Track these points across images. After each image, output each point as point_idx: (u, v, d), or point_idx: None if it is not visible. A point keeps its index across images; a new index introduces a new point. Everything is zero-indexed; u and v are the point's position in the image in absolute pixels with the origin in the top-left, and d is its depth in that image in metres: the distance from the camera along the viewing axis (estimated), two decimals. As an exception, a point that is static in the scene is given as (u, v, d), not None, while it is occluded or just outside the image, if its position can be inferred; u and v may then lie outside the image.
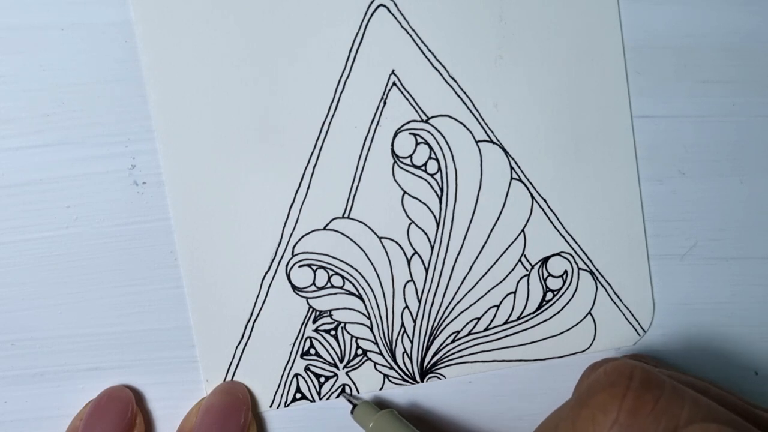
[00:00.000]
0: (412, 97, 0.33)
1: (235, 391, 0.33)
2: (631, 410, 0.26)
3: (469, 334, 0.35)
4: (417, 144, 0.33)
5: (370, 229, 0.34)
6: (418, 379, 0.35)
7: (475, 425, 0.35)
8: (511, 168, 0.34)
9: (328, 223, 0.33)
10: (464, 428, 0.34)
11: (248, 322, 0.34)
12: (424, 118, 0.33)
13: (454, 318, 0.35)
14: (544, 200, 0.34)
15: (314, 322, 0.34)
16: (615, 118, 0.34)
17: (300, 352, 0.34)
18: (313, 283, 0.34)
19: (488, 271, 0.34)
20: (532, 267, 0.34)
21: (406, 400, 0.35)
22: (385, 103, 0.33)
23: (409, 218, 0.34)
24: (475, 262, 0.34)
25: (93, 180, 0.32)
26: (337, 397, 0.34)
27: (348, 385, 0.35)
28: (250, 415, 0.33)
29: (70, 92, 0.32)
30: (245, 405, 0.33)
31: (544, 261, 0.34)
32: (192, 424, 0.32)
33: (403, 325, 0.34)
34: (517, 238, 0.34)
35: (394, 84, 0.33)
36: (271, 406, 0.34)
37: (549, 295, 0.35)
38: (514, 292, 0.35)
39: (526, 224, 0.34)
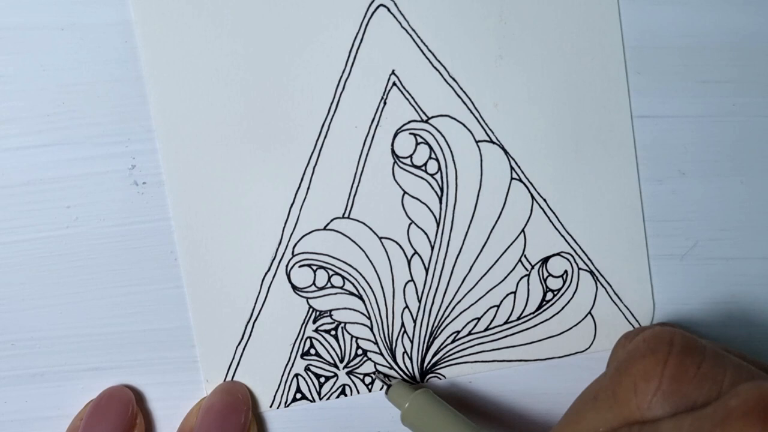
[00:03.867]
0: (412, 97, 0.33)
1: (235, 391, 0.33)
2: (673, 376, 0.26)
3: (470, 334, 0.35)
4: (417, 144, 0.33)
5: (370, 229, 0.34)
6: (418, 379, 0.35)
7: (475, 425, 0.35)
8: (511, 168, 0.34)
9: (328, 223, 0.33)
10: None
11: (248, 322, 0.34)
12: (424, 118, 0.33)
13: (454, 318, 0.35)
14: (544, 200, 0.34)
15: (314, 322, 0.34)
16: (615, 118, 0.34)
17: (300, 352, 0.34)
18: (313, 283, 0.34)
19: (488, 271, 0.34)
20: (532, 267, 0.34)
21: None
22: (385, 103, 0.33)
23: (409, 218, 0.34)
24: (475, 262, 0.34)
25: (93, 180, 0.32)
26: (373, 378, 0.34)
27: (348, 385, 0.35)
28: (251, 415, 0.33)
29: (70, 92, 0.32)
30: (245, 405, 0.33)
31: (544, 261, 0.34)
32: (192, 424, 0.32)
33: (403, 325, 0.34)
34: (517, 238, 0.34)
35: (394, 84, 0.33)
36: (271, 406, 0.34)
37: (549, 295, 0.35)
38: (514, 292, 0.35)
39: (526, 224, 0.34)
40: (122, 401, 0.32)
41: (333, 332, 0.34)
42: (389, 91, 0.33)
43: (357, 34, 0.32)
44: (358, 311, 0.34)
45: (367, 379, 0.35)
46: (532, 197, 0.34)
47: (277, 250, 0.33)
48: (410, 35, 0.33)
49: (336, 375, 0.34)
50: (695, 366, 0.26)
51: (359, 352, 0.34)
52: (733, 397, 0.24)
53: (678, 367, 0.26)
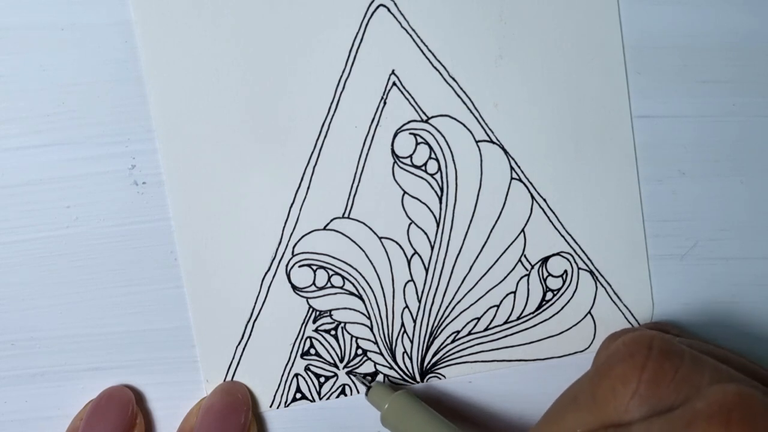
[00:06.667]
0: (412, 97, 0.33)
1: (235, 391, 0.33)
2: (651, 380, 0.26)
3: (469, 334, 0.35)
4: (417, 144, 0.33)
5: (370, 229, 0.34)
6: (418, 379, 0.35)
7: (475, 425, 0.35)
8: (511, 168, 0.34)
9: (328, 223, 0.33)
10: (464, 428, 0.34)
11: (248, 322, 0.34)
12: (424, 118, 0.33)
13: (454, 318, 0.35)
14: (544, 200, 0.34)
15: (314, 322, 0.34)
16: (615, 118, 0.34)
17: (300, 352, 0.34)
18: (313, 283, 0.34)
19: (488, 271, 0.34)
20: (532, 267, 0.34)
21: (406, 400, 0.35)
22: (385, 103, 0.33)
23: (409, 218, 0.34)
24: (475, 262, 0.34)
25: (93, 180, 0.32)
26: (364, 381, 0.34)
27: (348, 385, 0.35)
28: (251, 415, 0.33)
29: (70, 92, 0.32)
30: (245, 405, 0.33)
31: (544, 261, 0.35)
32: (192, 424, 0.32)
33: (403, 325, 0.34)
34: (517, 238, 0.34)
35: (394, 84, 0.33)
36: (271, 406, 0.34)
37: (549, 295, 0.35)
38: (514, 292, 0.35)
39: (526, 224, 0.34)
40: (122, 401, 0.32)
41: (333, 332, 0.34)
42: (389, 91, 0.33)
43: (357, 34, 0.32)
44: (358, 311, 0.34)
45: (368, 379, 0.35)
46: (532, 197, 0.34)
47: (277, 250, 0.33)
48: (410, 35, 0.33)
49: (336, 375, 0.34)
50: (673, 370, 0.26)
51: (359, 352, 0.34)
52: (700, 399, 0.25)
53: (656, 371, 0.26)
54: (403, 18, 0.33)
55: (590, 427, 0.27)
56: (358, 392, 0.35)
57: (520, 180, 0.34)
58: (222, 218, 0.33)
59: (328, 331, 0.34)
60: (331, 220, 0.33)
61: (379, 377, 0.35)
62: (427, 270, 0.34)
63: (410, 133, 0.33)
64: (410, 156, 0.33)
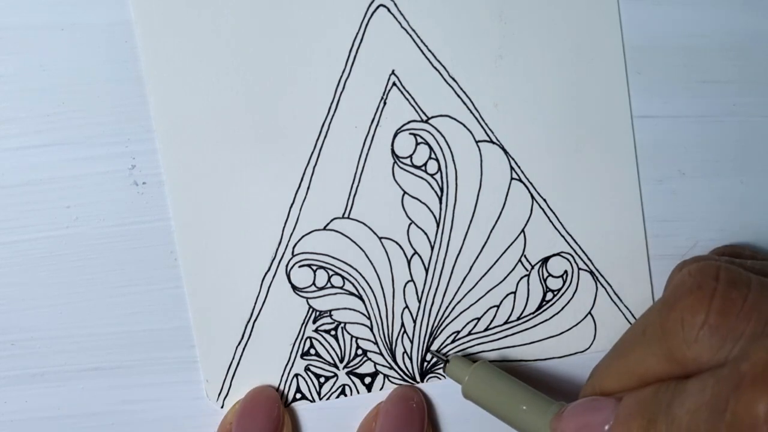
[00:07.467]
0: (412, 97, 0.33)
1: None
2: (720, 310, 0.26)
3: (469, 334, 0.35)
4: (417, 144, 0.33)
5: (370, 229, 0.34)
6: (418, 379, 0.35)
7: (474, 425, 0.35)
8: (511, 168, 0.34)
9: (328, 223, 0.33)
10: (464, 428, 0.34)
11: (248, 322, 0.34)
12: (424, 118, 0.33)
13: (454, 318, 0.35)
14: (544, 200, 0.34)
15: (314, 322, 0.34)
16: (615, 118, 0.34)
17: (300, 352, 0.34)
18: (313, 283, 0.34)
19: (488, 271, 0.34)
20: (532, 267, 0.34)
21: (406, 400, 0.35)
22: (385, 103, 0.33)
23: (409, 218, 0.34)
24: (475, 262, 0.34)
25: (93, 180, 0.32)
26: (432, 357, 0.34)
27: (348, 385, 0.35)
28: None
29: (70, 92, 0.32)
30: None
31: (544, 261, 0.34)
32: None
33: (403, 325, 0.34)
34: (517, 238, 0.34)
35: (394, 84, 0.33)
36: (271, 406, 0.34)
37: (549, 295, 0.35)
38: (514, 292, 0.35)
39: (526, 224, 0.34)
40: (270, 400, 0.33)
41: (333, 332, 0.34)
42: (389, 91, 0.33)
43: (357, 34, 0.32)
44: (358, 311, 0.34)
45: (367, 379, 0.35)
46: (532, 197, 0.34)
47: (277, 250, 0.33)
48: (410, 35, 0.33)
49: (336, 375, 0.34)
50: (742, 299, 0.26)
51: (359, 352, 0.34)
52: (743, 360, 0.24)
53: (724, 302, 0.26)
54: (403, 18, 0.33)
55: (659, 359, 0.27)
56: (358, 392, 0.35)
57: (520, 180, 0.34)
58: (222, 218, 0.33)
59: (328, 332, 0.34)
60: (331, 220, 0.33)
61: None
62: (427, 270, 0.34)
63: (410, 133, 0.33)
64: (410, 156, 0.33)
